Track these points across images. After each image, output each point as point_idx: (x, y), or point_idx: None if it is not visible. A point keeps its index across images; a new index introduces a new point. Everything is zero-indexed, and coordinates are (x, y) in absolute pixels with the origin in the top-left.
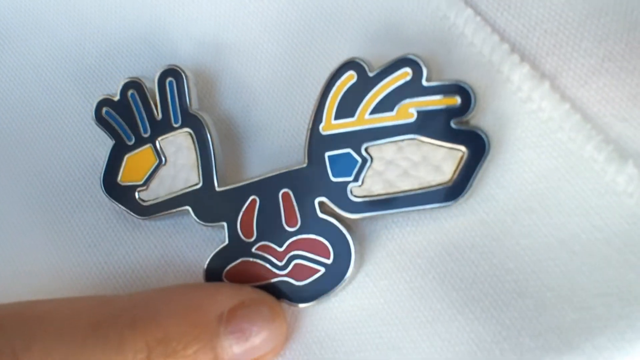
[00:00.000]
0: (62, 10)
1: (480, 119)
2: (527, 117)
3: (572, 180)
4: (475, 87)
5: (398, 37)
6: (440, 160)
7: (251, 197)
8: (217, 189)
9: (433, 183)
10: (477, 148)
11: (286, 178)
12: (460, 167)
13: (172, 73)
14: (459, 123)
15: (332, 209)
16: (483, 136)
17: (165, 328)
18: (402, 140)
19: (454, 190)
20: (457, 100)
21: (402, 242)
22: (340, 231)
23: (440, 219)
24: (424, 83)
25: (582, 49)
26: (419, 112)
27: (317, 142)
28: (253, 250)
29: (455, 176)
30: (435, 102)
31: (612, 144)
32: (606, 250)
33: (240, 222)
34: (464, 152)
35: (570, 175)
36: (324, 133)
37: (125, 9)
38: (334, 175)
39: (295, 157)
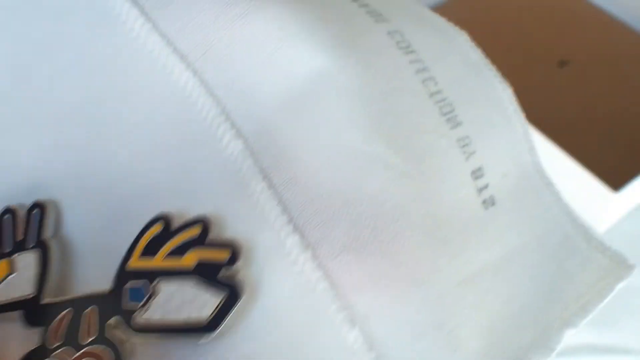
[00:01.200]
0: None
1: (252, 272)
2: (292, 277)
3: (316, 335)
4: (257, 246)
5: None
6: (205, 301)
7: (66, 310)
8: (44, 300)
9: (196, 320)
10: (233, 295)
11: (95, 299)
12: (218, 308)
13: (38, 206)
14: (227, 273)
15: (121, 329)
16: (239, 286)
17: None
18: (183, 281)
19: (210, 327)
20: (228, 254)
21: None
22: (121, 348)
23: (204, 352)
24: (208, 238)
25: (338, 227)
26: (199, 261)
27: (122, 274)
28: (56, 353)
29: (213, 316)
30: (211, 253)
31: (348, 309)
32: None
33: (53, 329)
34: (223, 297)
35: (315, 330)
36: (129, 268)
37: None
38: (129, 301)
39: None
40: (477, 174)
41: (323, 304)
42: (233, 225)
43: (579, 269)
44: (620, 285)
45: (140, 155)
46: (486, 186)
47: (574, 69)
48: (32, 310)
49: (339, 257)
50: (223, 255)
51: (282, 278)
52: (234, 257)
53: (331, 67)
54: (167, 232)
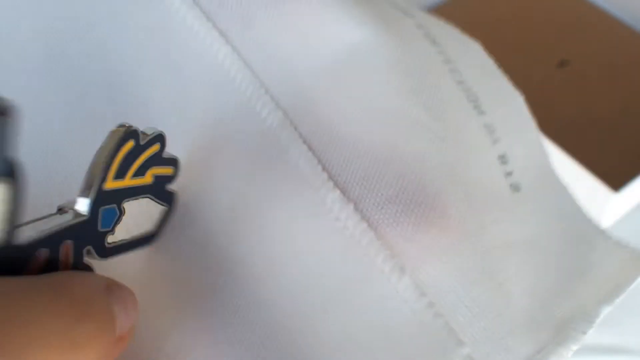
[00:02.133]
0: None
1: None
2: (335, 234)
3: (366, 286)
4: (294, 202)
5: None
6: (156, 213)
7: (41, 250)
8: (15, 242)
9: (147, 230)
10: (173, 205)
11: (69, 231)
12: (162, 219)
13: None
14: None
15: (93, 255)
16: (175, 195)
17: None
18: (141, 198)
19: (152, 236)
20: (173, 170)
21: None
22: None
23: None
24: (164, 155)
25: (382, 181)
26: (154, 177)
27: (99, 198)
28: None
29: (158, 226)
30: (162, 170)
31: (397, 258)
32: (384, 344)
33: (29, 272)
34: (167, 208)
35: (365, 282)
36: (104, 190)
37: None
38: (102, 227)
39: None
40: (503, 159)
41: (370, 255)
42: (270, 190)
43: (603, 259)
44: None
45: (175, 130)
46: (511, 173)
47: (574, 69)
48: (3, 253)
49: (384, 208)
50: (170, 171)
51: (325, 235)
52: (175, 172)
53: (371, 40)
54: (137, 149)
